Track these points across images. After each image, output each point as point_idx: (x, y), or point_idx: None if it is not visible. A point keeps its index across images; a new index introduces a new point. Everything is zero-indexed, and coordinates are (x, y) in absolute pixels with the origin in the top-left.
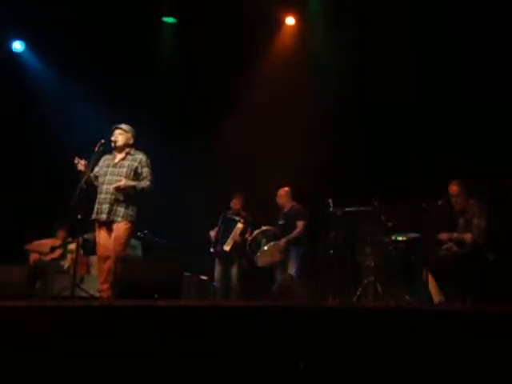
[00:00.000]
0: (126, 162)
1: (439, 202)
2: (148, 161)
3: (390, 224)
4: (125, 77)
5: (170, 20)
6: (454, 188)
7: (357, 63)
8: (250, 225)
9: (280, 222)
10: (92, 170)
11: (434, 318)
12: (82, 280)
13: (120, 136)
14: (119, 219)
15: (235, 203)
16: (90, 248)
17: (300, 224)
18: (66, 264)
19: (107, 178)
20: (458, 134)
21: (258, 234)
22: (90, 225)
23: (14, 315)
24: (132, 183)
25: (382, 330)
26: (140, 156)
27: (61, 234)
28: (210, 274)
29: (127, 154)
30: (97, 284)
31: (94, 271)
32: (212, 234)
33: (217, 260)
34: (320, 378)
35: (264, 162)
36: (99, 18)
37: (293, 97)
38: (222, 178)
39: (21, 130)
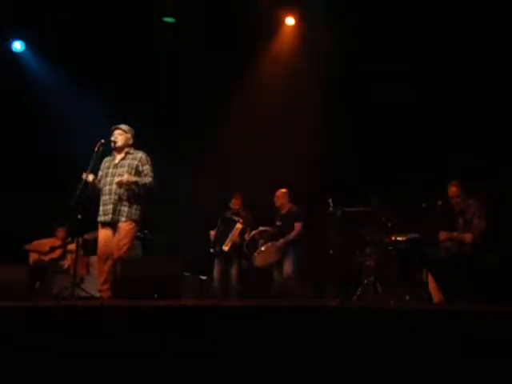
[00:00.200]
0: (127, 162)
1: (439, 202)
2: (148, 158)
3: (389, 224)
4: (125, 77)
5: (170, 20)
6: (453, 189)
7: (357, 63)
8: (249, 225)
9: (278, 223)
10: (92, 170)
11: (434, 317)
12: (82, 280)
13: (120, 136)
14: (123, 219)
15: (234, 203)
16: (90, 248)
17: (297, 225)
18: (65, 264)
19: (108, 179)
20: (458, 133)
21: (255, 234)
22: (90, 225)
23: (14, 315)
24: (134, 178)
25: (382, 330)
26: (140, 154)
27: (60, 233)
28: (210, 274)
29: (127, 153)
30: (97, 284)
31: (93, 271)
32: (212, 233)
33: (216, 260)
34: (320, 378)
35: (264, 161)
36: (99, 17)
37: (292, 96)
38: (221, 177)
39: (21, 130)
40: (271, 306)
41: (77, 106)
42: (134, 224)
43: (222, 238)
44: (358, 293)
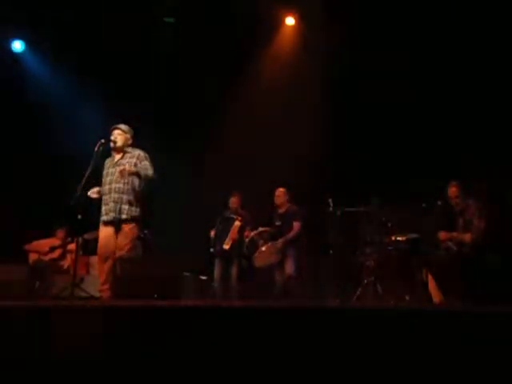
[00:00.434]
0: (125, 160)
1: (439, 202)
2: (146, 155)
3: (389, 224)
4: (125, 76)
5: (170, 20)
6: (452, 189)
7: (357, 63)
8: (248, 223)
9: (276, 223)
10: (92, 170)
11: (434, 317)
12: (81, 280)
13: (119, 136)
14: (124, 217)
15: (233, 202)
16: (89, 248)
17: (297, 225)
18: (65, 264)
19: (108, 178)
20: (458, 134)
21: (254, 235)
22: (90, 225)
23: (14, 315)
24: (135, 169)
25: (382, 330)
26: (137, 152)
27: (60, 233)
28: (210, 274)
29: (125, 152)
30: (97, 284)
31: (93, 271)
32: (212, 233)
33: (217, 260)
34: (320, 378)
35: (264, 161)
36: (99, 17)
37: (292, 96)
38: (221, 177)
39: (20, 130)
40: (271, 307)
41: (77, 106)
42: (135, 223)
43: (221, 237)
44: (358, 293)
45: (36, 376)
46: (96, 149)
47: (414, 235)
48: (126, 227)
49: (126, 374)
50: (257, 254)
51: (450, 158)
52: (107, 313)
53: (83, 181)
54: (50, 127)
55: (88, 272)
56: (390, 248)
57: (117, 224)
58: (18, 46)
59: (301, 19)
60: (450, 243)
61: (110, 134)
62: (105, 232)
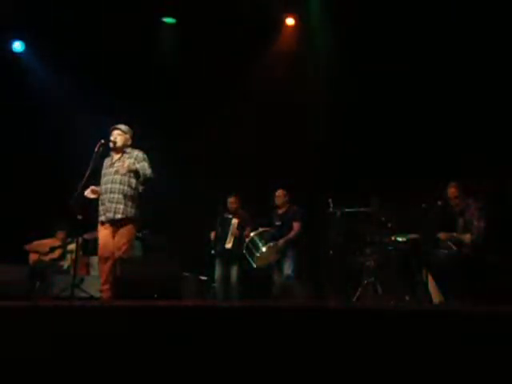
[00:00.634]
0: (123, 161)
1: (439, 203)
2: (144, 156)
3: (389, 224)
4: (125, 77)
5: (169, 20)
6: (452, 190)
7: (357, 63)
8: (248, 223)
9: (276, 223)
10: (92, 171)
11: (434, 317)
12: (81, 280)
13: (119, 137)
14: (119, 216)
15: (232, 202)
16: (90, 248)
17: (296, 225)
18: (65, 264)
19: (106, 178)
20: (458, 134)
21: (254, 235)
22: (90, 225)
23: (14, 315)
24: (135, 167)
25: (382, 330)
26: (136, 153)
27: (60, 234)
28: (210, 275)
29: (124, 153)
30: (97, 284)
31: (93, 271)
32: (213, 234)
33: (217, 261)
34: (320, 378)
35: (264, 161)
36: (99, 18)
37: (292, 96)
38: (221, 177)
39: (20, 130)
40: (271, 307)
41: (77, 106)
42: (131, 223)
43: (222, 238)
44: (358, 293)
45: (36, 376)
46: (96, 149)
47: (414, 235)
48: (123, 227)
49: (126, 374)
50: (258, 254)
51: (450, 157)
52: (107, 313)
53: (83, 181)
54: (50, 127)
55: (88, 272)
56: (389, 248)
57: (114, 224)
58: (18, 46)
59: (301, 19)
60: (449, 243)
61: (109, 134)
62: (103, 232)
